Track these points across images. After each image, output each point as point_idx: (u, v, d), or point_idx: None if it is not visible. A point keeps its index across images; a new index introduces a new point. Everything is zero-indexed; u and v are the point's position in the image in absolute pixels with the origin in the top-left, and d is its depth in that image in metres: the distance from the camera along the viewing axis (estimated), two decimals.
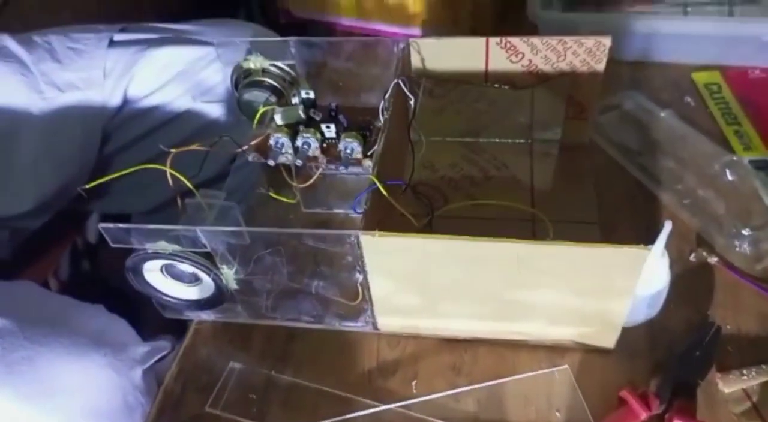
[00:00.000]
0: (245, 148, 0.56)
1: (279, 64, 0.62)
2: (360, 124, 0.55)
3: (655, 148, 0.61)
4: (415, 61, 0.59)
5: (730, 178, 0.55)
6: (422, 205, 0.58)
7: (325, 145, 0.55)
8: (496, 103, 0.63)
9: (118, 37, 0.72)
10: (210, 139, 0.57)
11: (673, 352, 0.47)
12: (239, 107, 0.63)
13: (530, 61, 0.57)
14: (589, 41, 0.55)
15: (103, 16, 0.90)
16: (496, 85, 0.60)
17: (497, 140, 0.65)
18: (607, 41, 0.54)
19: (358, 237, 0.42)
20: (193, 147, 0.56)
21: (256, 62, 0.62)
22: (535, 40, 0.56)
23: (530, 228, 0.56)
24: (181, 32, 0.73)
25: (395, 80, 0.53)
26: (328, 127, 0.54)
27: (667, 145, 0.61)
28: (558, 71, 0.58)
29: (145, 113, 0.72)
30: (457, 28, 0.76)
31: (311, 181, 0.56)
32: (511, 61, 0.58)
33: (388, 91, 0.53)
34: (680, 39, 0.68)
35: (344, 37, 0.59)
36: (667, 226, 0.42)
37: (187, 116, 0.73)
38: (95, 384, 0.45)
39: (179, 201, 0.53)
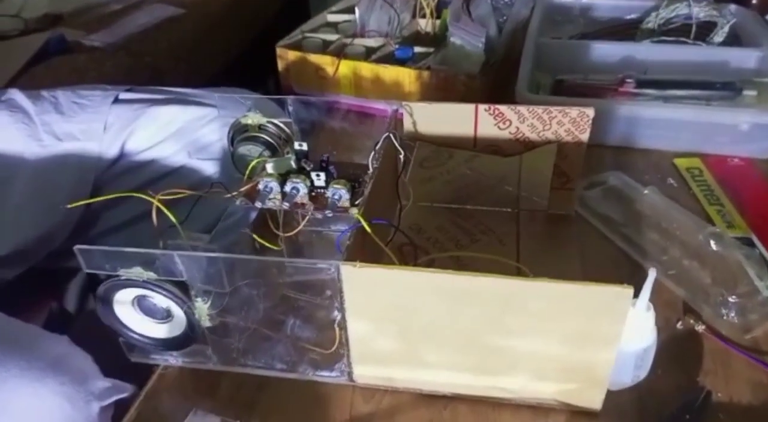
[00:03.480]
0: (235, 193, 0.57)
1: (275, 121, 0.64)
2: (350, 177, 0.56)
3: (639, 220, 0.62)
4: (407, 125, 0.62)
5: (714, 248, 0.55)
6: (406, 259, 0.57)
7: (314, 193, 0.55)
8: (484, 173, 0.65)
9: (123, 95, 0.75)
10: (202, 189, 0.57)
11: (662, 417, 0.44)
12: (233, 161, 0.65)
13: (517, 128, 0.60)
14: (573, 111, 0.57)
15: None
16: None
17: (484, 208, 0.66)
18: (590, 112, 0.57)
19: (338, 268, 0.41)
20: (183, 191, 0.57)
21: (253, 119, 0.64)
22: (522, 109, 0.58)
23: None
24: (185, 94, 0.76)
25: (386, 134, 0.55)
26: (317, 175, 0.55)
27: (651, 218, 0.62)
28: (544, 140, 0.60)
29: (140, 167, 0.74)
30: None
31: (298, 229, 0.56)
32: (499, 128, 0.60)
33: (379, 143, 0.54)
34: (661, 125, 0.71)
35: (341, 98, 0.61)
36: (652, 274, 0.42)
37: (182, 172, 0.74)
38: (47, 412, 0.41)
39: (161, 244, 0.53)
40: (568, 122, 0.58)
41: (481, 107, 0.59)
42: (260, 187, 0.55)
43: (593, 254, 0.60)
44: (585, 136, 0.59)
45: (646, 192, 0.65)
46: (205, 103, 0.75)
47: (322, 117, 0.66)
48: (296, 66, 0.86)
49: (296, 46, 0.89)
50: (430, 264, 0.57)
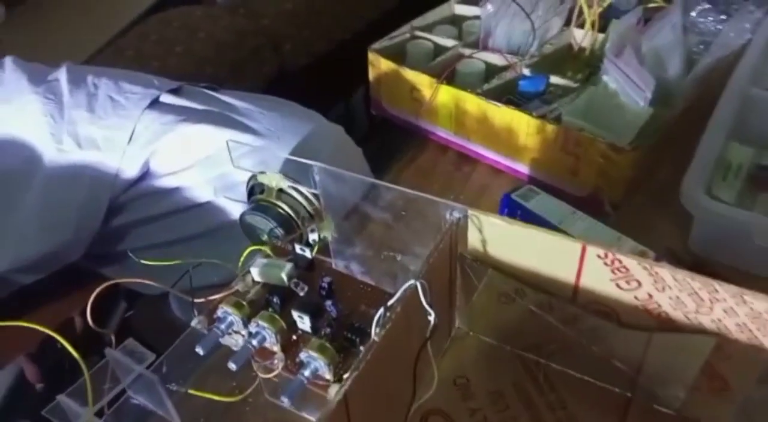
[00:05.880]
0: (202, 301, 0.40)
1: (302, 188, 0.46)
2: (353, 324, 0.36)
3: None
4: (473, 240, 0.40)
5: None
6: None
7: (294, 337, 0.37)
8: (591, 325, 0.41)
9: (164, 98, 0.61)
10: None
11: None
12: (242, 228, 0.48)
13: (650, 295, 0.35)
14: (761, 303, 0.31)
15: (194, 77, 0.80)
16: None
17: (577, 375, 0.43)
18: None
19: None
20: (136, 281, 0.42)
21: (272, 179, 0.47)
22: (665, 273, 0.33)
23: None
24: (232, 108, 0.60)
25: (411, 282, 0.34)
26: (301, 317, 0.36)
27: None
28: (695, 326, 0.35)
29: (166, 193, 0.60)
30: (575, 181, 0.55)
31: (273, 374, 0.38)
32: (619, 287, 0.36)
33: (395, 296, 0.34)
34: None
35: (386, 183, 0.41)
36: None
37: (210, 208, 0.60)
38: None
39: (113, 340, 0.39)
40: (743, 314, 0.32)
41: (592, 250, 0.35)
42: (218, 314, 0.37)
43: None
44: None
45: None
46: (251, 126, 0.58)
47: (356, 196, 0.46)
48: (389, 79, 0.66)
49: (395, 51, 0.68)
50: None
